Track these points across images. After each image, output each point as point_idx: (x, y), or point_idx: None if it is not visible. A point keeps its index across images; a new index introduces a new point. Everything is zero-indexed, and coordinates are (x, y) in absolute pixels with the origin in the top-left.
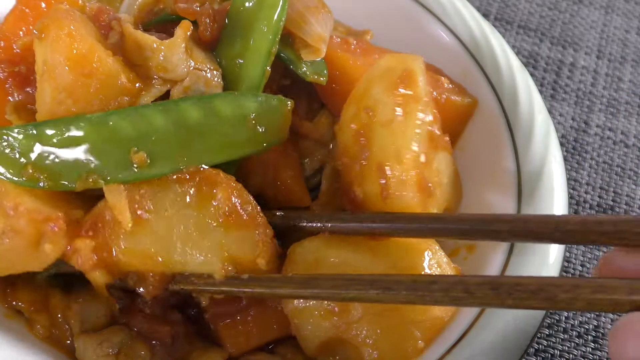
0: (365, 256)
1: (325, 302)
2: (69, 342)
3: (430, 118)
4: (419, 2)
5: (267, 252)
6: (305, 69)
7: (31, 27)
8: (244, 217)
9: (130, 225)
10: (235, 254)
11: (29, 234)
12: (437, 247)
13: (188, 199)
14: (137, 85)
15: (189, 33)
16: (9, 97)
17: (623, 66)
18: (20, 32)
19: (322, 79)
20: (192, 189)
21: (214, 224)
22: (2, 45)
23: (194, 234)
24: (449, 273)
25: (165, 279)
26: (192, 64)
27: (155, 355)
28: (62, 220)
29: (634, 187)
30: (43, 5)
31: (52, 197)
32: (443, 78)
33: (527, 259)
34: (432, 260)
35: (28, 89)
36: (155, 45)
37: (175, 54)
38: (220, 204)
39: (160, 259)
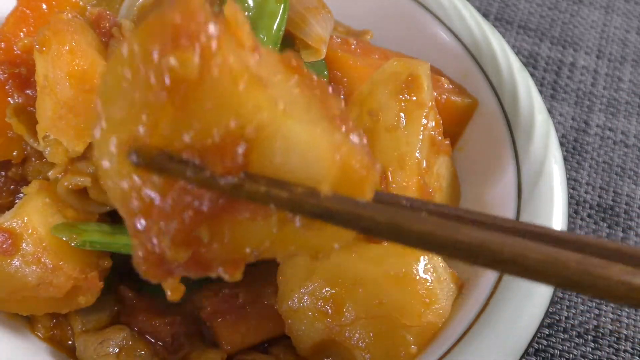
0: (361, 259)
1: (320, 302)
2: (70, 342)
3: (433, 124)
4: (419, 3)
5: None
6: None
7: (32, 29)
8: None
9: (250, 43)
10: (349, 158)
11: (65, 288)
12: None
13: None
14: None
15: None
16: (9, 99)
17: (623, 66)
18: (21, 34)
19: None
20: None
21: (330, 121)
22: (2, 46)
23: (306, 111)
24: (445, 278)
25: (244, 154)
26: None
27: (155, 355)
28: (96, 278)
29: (634, 187)
30: (44, 6)
31: (88, 253)
32: (443, 78)
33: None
34: (429, 264)
35: (28, 91)
36: None
37: None
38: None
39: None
